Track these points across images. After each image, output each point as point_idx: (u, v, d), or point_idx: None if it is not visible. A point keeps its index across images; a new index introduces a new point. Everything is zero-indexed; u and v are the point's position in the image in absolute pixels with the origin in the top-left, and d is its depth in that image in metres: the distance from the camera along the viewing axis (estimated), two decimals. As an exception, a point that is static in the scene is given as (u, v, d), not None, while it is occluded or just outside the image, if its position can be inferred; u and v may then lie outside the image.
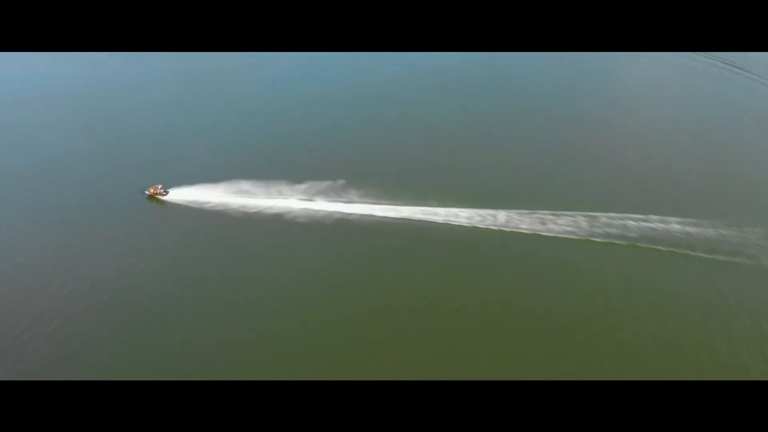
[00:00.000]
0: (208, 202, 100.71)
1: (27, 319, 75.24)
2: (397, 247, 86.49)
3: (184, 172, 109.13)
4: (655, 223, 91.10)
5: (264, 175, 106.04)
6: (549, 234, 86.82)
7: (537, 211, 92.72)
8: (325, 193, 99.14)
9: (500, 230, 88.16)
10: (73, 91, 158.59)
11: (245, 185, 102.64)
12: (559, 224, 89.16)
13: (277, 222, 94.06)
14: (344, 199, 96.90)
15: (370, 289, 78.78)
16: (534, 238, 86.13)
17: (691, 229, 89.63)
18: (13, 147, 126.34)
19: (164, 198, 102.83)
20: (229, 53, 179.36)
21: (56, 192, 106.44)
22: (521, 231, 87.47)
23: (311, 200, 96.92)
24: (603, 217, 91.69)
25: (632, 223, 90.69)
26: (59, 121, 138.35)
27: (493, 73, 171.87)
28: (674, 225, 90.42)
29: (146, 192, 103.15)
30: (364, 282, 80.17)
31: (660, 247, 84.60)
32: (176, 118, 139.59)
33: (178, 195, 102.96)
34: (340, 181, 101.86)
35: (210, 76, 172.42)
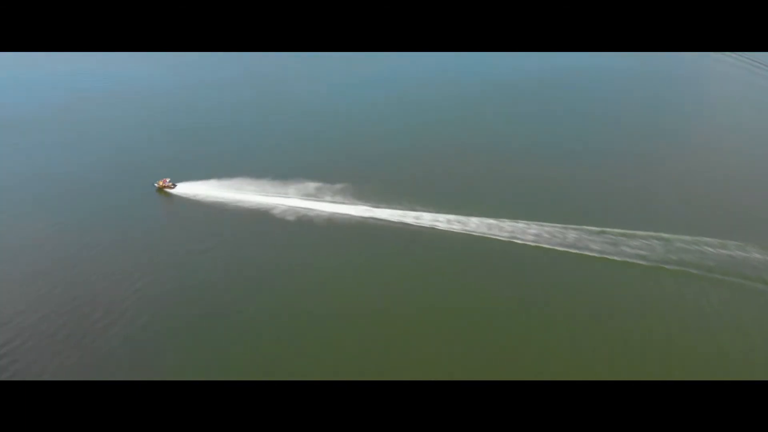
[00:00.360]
0: (219, 197, 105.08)
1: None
2: (454, 264, 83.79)
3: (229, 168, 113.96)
4: (733, 250, 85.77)
5: (324, 177, 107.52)
6: (619, 258, 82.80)
7: (609, 230, 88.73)
8: (388, 201, 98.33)
9: (566, 252, 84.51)
10: (152, 90, 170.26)
11: (299, 186, 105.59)
12: (631, 246, 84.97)
13: (330, 227, 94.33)
14: (406, 207, 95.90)
15: (423, 304, 77.15)
16: (603, 264, 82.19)
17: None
18: (86, 142, 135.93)
19: (171, 191, 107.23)
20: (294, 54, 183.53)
21: (113, 184, 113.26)
22: (590, 254, 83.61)
23: (377, 207, 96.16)
24: (678, 240, 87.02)
25: (709, 249, 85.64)
26: (130, 119, 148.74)
27: (558, 80, 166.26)
28: (755, 255, 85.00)
29: (155, 185, 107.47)
30: (418, 296, 78.47)
31: (742, 281, 79.68)
32: (231, 118, 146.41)
33: (184, 189, 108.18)
34: (396, 187, 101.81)
35: (274, 78, 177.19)
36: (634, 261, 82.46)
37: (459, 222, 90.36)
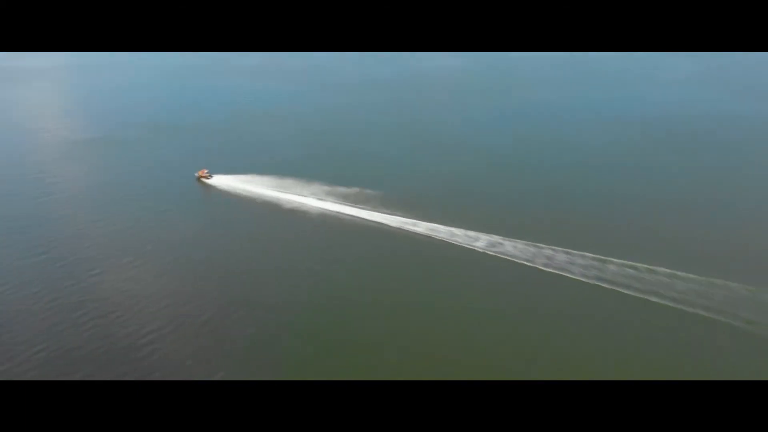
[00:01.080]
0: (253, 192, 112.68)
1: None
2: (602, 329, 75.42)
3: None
4: None
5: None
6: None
7: (731, 282, 77.83)
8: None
9: (680, 312, 73.57)
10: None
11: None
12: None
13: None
14: (536, 240, 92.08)
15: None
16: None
17: None
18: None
19: (208, 181, 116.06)
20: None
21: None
22: (738, 324, 72.30)
23: (500, 246, 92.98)
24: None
25: None
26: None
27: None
28: None
29: (196, 174, 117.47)
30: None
31: None
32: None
33: (219, 180, 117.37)
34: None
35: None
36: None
37: (595, 267, 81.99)
